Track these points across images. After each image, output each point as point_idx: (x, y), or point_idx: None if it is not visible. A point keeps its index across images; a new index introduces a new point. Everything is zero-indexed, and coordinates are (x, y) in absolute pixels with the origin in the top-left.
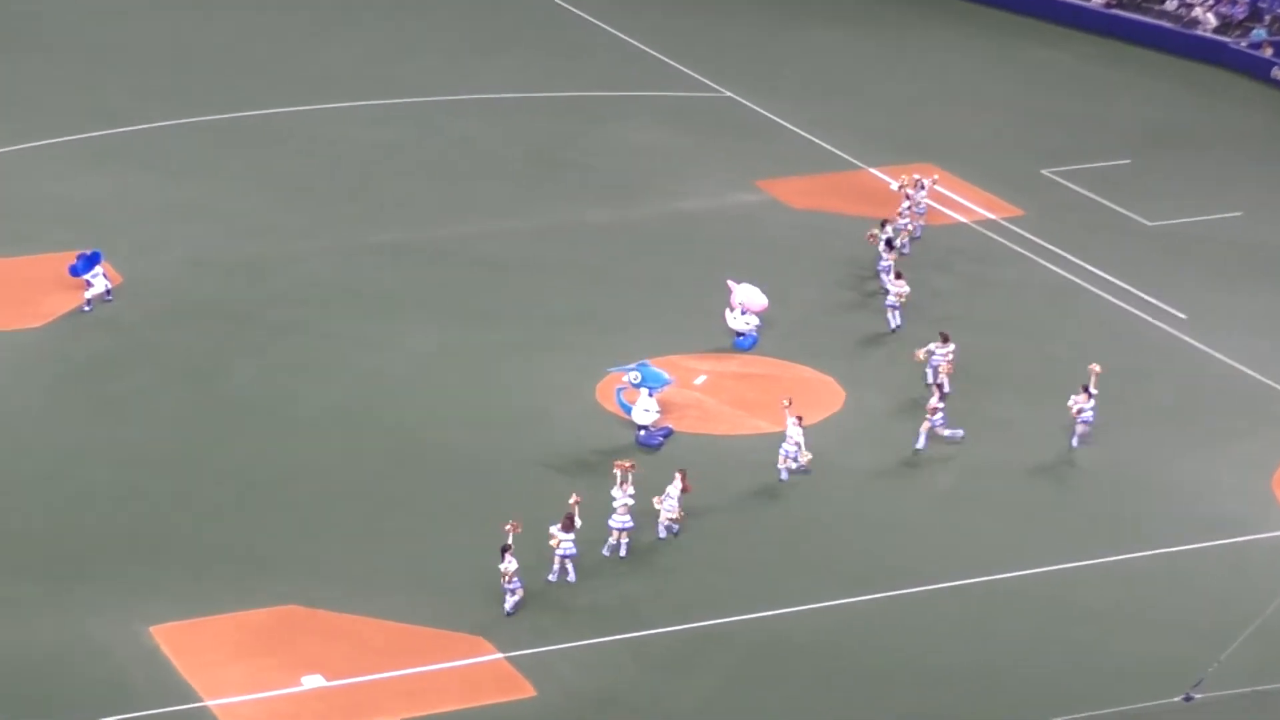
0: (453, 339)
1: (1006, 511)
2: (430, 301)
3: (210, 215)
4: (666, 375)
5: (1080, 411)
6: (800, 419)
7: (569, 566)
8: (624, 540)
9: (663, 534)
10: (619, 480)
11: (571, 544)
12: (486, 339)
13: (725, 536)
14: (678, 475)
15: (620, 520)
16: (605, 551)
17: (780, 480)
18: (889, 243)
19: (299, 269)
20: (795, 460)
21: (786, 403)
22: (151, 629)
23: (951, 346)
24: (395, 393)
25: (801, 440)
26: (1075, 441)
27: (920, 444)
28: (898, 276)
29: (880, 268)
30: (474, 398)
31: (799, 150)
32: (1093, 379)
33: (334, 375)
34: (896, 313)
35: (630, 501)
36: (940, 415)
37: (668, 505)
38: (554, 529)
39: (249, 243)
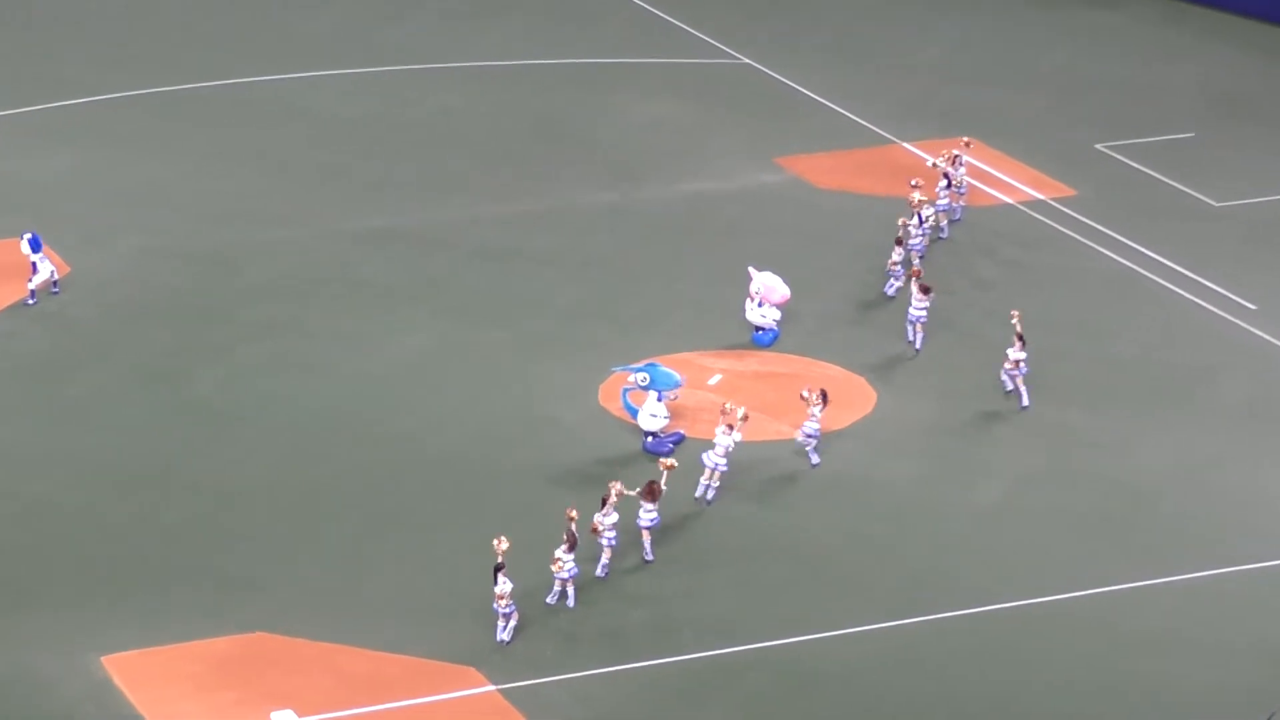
0: (444, 337)
1: (1059, 527)
2: (419, 295)
3: (171, 198)
4: (678, 376)
5: (1018, 363)
6: (731, 428)
7: (569, 589)
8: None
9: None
10: (608, 501)
11: (574, 564)
12: (481, 337)
13: (745, 555)
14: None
15: (607, 538)
16: (600, 572)
17: (705, 502)
18: (920, 218)
19: (273, 259)
20: (717, 478)
21: (727, 407)
22: (104, 659)
23: (929, 299)
24: (379, 397)
25: (727, 451)
26: (1015, 386)
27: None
28: (898, 242)
29: (911, 246)
30: (468, 402)
31: (825, 124)
32: (1018, 325)
33: (312, 378)
34: (892, 279)
35: (615, 518)
36: (816, 425)
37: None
38: (558, 551)
39: (216, 230)
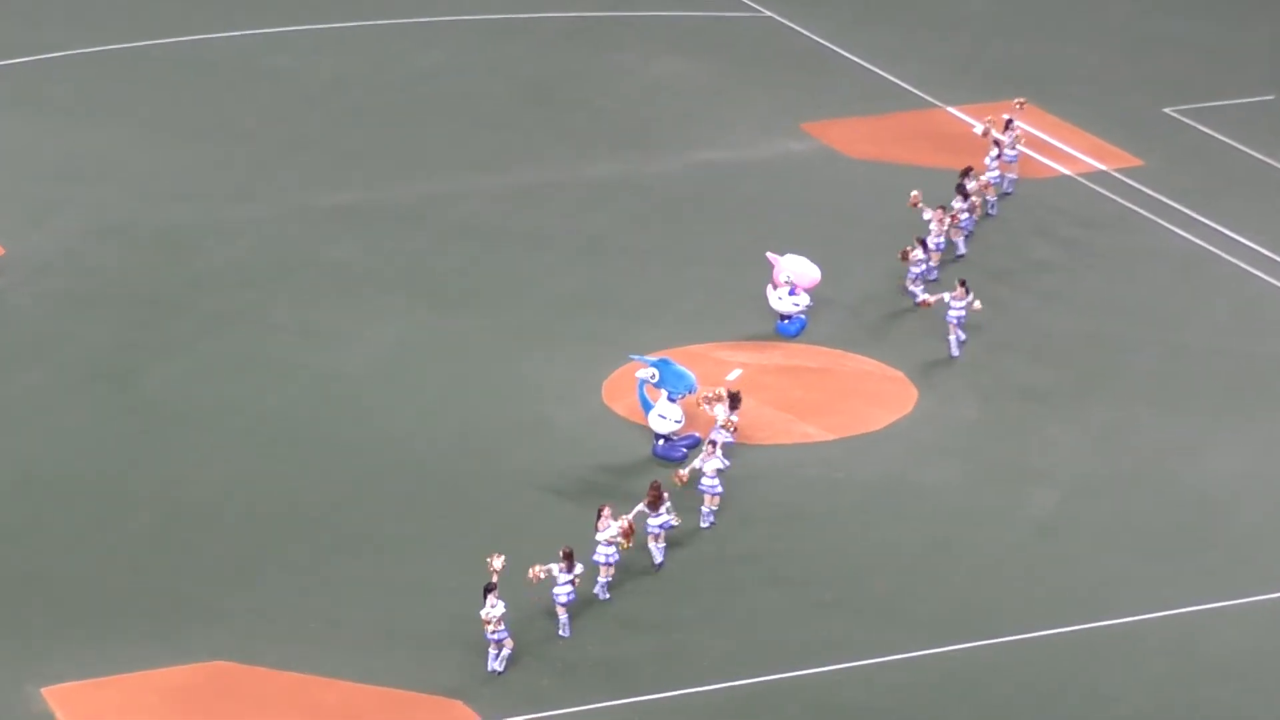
0: (425, 328)
1: (1122, 540)
2: (397, 281)
3: (118, 172)
4: (692, 378)
5: (956, 310)
6: (714, 445)
7: (563, 616)
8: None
9: (601, 593)
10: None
11: (572, 589)
12: (467, 327)
13: (767, 574)
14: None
15: (606, 554)
16: (599, 593)
17: (702, 527)
18: (962, 189)
19: (233, 241)
20: (714, 503)
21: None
22: (44, 690)
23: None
24: (353, 397)
25: (717, 472)
26: (955, 350)
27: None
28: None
29: (962, 224)
30: (452, 401)
31: (858, 85)
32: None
33: (277, 376)
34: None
35: (614, 533)
36: (730, 433)
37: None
38: (554, 566)
39: (169, 207)
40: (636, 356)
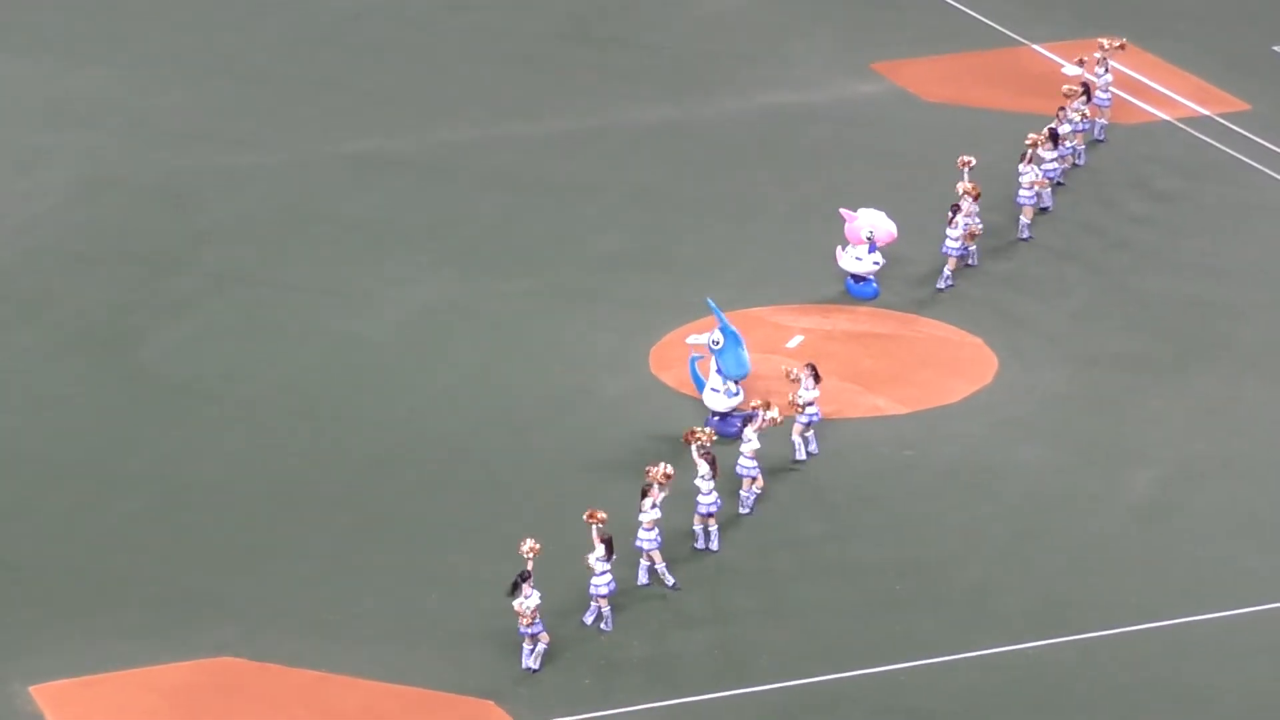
0: (455, 290)
1: (1226, 528)
2: (423, 237)
3: (114, 114)
4: (749, 367)
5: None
6: (752, 421)
7: (605, 608)
8: (651, 564)
9: (644, 579)
10: (648, 490)
11: (611, 578)
12: (500, 289)
13: (832, 562)
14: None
15: (649, 538)
16: (643, 579)
17: (741, 513)
18: (1054, 135)
19: (241, 193)
20: (755, 486)
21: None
22: (32, 689)
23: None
24: (376, 365)
25: (755, 453)
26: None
27: (799, 454)
28: (1025, 159)
29: (1047, 173)
30: (484, 371)
31: (934, 20)
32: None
33: (291, 341)
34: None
35: (658, 515)
36: (814, 410)
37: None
38: (592, 558)
39: (170, 154)
40: (712, 303)
